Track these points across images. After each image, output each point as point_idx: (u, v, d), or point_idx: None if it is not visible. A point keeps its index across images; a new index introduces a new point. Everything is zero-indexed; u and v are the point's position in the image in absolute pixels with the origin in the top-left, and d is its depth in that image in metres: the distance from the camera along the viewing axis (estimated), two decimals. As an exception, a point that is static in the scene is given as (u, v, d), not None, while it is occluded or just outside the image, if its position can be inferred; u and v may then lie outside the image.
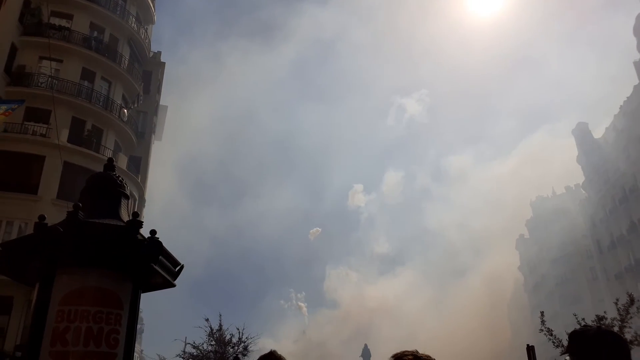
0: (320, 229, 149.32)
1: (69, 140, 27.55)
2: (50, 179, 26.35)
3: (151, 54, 38.66)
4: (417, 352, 2.60)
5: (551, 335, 19.07)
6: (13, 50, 28.18)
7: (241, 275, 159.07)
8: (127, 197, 4.63)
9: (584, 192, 69.95)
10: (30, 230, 5.19)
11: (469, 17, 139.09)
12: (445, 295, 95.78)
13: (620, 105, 61.29)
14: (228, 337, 26.54)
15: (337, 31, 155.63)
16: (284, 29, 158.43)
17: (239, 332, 26.56)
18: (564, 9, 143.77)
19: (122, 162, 29.48)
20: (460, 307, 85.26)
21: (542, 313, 20.05)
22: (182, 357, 27.92)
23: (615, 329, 17.85)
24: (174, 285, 4.61)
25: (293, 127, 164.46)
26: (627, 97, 59.58)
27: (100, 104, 30.61)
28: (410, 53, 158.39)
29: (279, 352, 3.80)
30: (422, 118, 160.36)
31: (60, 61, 29.26)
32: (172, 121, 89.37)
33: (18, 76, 28.12)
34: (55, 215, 4.36)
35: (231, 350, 26.18)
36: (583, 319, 19.13)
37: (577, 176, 71.04)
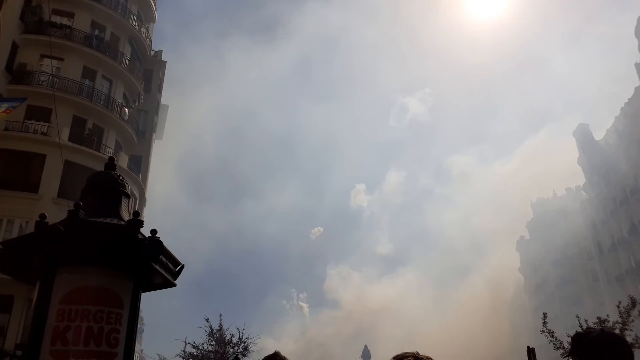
0: (322, 229, 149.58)
1: (69, 139, 27.56)
2: (51, 178, 26.35)
3: (152, 53, 38.69)
4: (417, 353, 2.59)
5: (552, 336, 19.07)
6: (14, 48, 28.19)
7: (242, 274, 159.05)
8: (127, 196, 4.61)
9: (584, 193, 69.95)
10: (31, 229, 5.18)
11: (472, 16, 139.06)
12: (446, 296, 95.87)
13: (621, 107, 61.28)
14: (228, 337, 26.57)
15: (340, 29, 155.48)
16: (286, 27, 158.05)
17: (239, 332, 26.60)
18: (568, 8, 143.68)
19: (123, 161, 29.49)
20: (461, 307, 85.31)
21: (544, 314, 20.07)
22: (182, 357, 27.95)
23: (617, 332, 17.83)
24: (174, 285, 4.60)
25: (295, 125, 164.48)
26: (628, 99, 59.57)
27: (101, 102, 30.63)
28: (413, 52, 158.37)
29: (282, 354, 3.79)
30: (425, 117, 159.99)
31: (62, 59, 29.29)
32: (173, 120, 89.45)
33: (19, 74, 28.14)
34: (56, 214, 4.35)
35: (231, 350, 26.19)
36: (586, 321, 19.15)
37: (578, 177, 71.09)
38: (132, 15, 34.91)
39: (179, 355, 28.44)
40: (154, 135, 38.33)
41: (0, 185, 25.38)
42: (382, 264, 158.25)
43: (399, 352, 2.62)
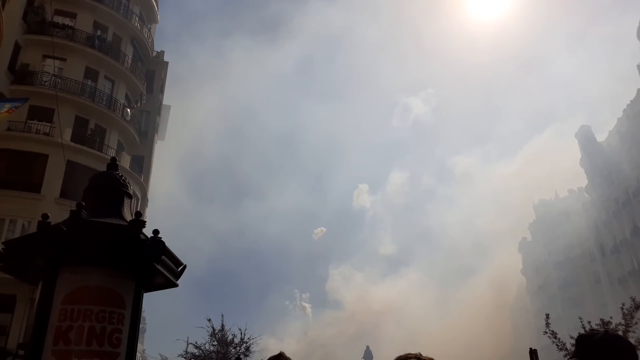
0: (324, 229, 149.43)
1: (72, 139, 27.58)
2: (54, 178, 26.38)
3: (154, 53, 38.74)
4: (420, 354, 2.58)
5: (555, 338, 19.04)
6: (17, 49, 28.25)
7: (244, 274, 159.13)
8: (130, 197, 4.62)
9: (586, 195, 69.86)
10: (33, 228, 5.19)
11: (476, 17, 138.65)
12: (449, 297, 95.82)
13: (624, 109, 61.22)
14: (230, 337, 26.56)
15: (343, 29, 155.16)
16: (289, 26, 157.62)
17: (241, 333, 26.60)
18: (571, 9, 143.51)
19: (125, 162, 29.52)
20: (464, 308, 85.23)
21: (547, 316, 20.03)
22: (184, 357, 27.98)
23: (620, 333, 17.80)
24: (176, 285, 4.60)
25: (298, 125, 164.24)
26: (631, 101, 59.51)
27: (104, 103, 30.68)
28: (417, 52, 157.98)
29: (286, 354, 3.78)
30: (428, 117, 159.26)
31: (64, 60, 29.34)
32: (175, 120, 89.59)
33: (21, 74, 28.20)
34: (59, 214, 4.35)
35: (233, 350, 26.20)
36: (589, 322, 19.12)
37: (581, 179, 71.00)
38: (134, 15, 34.96)
39: (181, 355, 28.50)
40: (156, 135, 38.36)
41: (2, 185, 25.42)
42: (385, 264, 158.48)
43: (401, 353, 2.62)
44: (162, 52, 40.50)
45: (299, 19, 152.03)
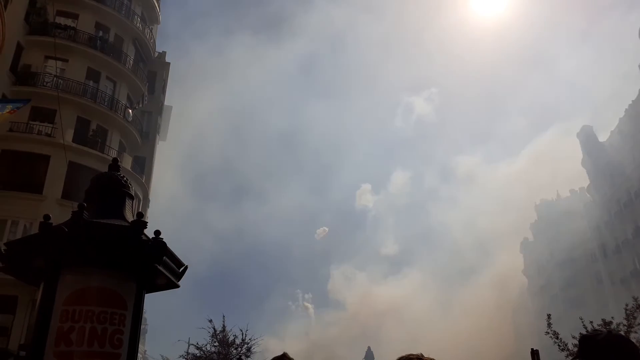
0: (327, 229, 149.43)
1: (74, 140, 27.61)
2: (55, 179, 26.40)
3: (156, 54, 38.76)
4: (422, 355, 2.58)
5: (557, 338, 18.99)
6: (19, 50, 28.28)
7: (246, 274, 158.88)
8: (131, 197, 4.62)
9: (588, 195, 69.77)
10: (35, 229, 5.19)
11: (479, 15, 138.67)
12: (451, 297, 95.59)
13: (626, 109, 61.12)
14: (231, 338, 26.53)
15: (346, 27, 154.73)
16: (292, 24, 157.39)
17: (242, 334, 26.57)
18: (575, 7, 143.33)
19: (126, 162, 29.53)
20: (466, 308, 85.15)
21: (548, 316, 19.95)
22: (186, 358, 27.94)
23: (622, 334, 17.76)
24: (178, 286, 4.60)
25: (300, 124, 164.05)
26: (632, 101, 59.41)
27: (105, 104, 30.70)
28: (420, 51, 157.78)
29: (289, 355, 3.77)
30: (431, 117, 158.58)
31: (66, 61, 29.37)
32: (176, 120, 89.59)
33: (24, 75, 28.23)
34: (60, 215, 4.36)
35: (234, 351, 26.17)
36: (591, 322, 19.07)
37: (584, 179, 70.88)
38: (136, 16, 34.99)
39: (182, 356, 28.44)
40: (157, 136, 38.40)
41: (4, 186, 25.45)
42: (387, 264, 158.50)
43: (402, 353, 2.61)
44: (164, 53, 40.57)
45: (302, 17, 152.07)
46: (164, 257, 4.13)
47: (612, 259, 61.05)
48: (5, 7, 24.13)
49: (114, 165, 4.74)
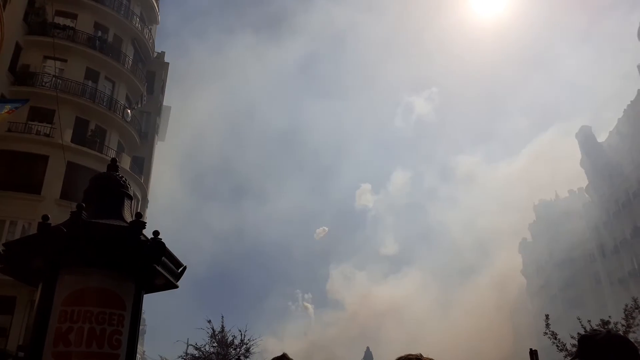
0: (326, 229, 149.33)
1: (72, 140, 27.59)
2: (54, 179, 26.38)
3: (155, 54, 38.75)
4: (421, 355, 2.57)
5: (555, 339, 19.01)
6: (17, 50, 28.26)
7: (245, 275, 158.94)
8: (130, 198, 4.62)
9: (587, 195, 69.84)
10: (33, 230, 5.19)
11: (479, 15, 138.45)
12: (451, 297, 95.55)
13: (624, 109, 61.18)
14: (230, 338, 26.52)
15: (347, 27, 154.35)
16: (292, 23, 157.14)
17: (241, 334, 26.56)
18: (576, 6, 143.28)
19: (125, 163, 29.52)
20: (465, 308, 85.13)
21: (546, 316, 19.97)
22: (184, 359, 27.94)
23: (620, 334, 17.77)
24: (176, 287, 4.60)
25: (300, 124, 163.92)
26: (631, 101, 59.47)
27: (104, 104, 30.68)
28: (420, 50, 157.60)
29: (289, 355, 3.77)
30: (431, 117, 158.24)
31: (65, 61, 29.35)
32: (175, 120, 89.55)
33: (22, 75, 28.21)
34: (59, 215, 4.35)
35: (233, 352, 26.16)
36: (589, 321, 19.09)
37: (582, 179, 70.94)
38: (135, 16, 34.97)
39: (180, 357, 28.45)
40: (156, 136, 38.38)
41: (3, 186, 25.42)
42: (386, 264, 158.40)
43: (402, 353, 2.61)
44: (163, 53, 40.54)
45: (303, 16, 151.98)
46: (163, 258, 4.13)
47: (610, 259, 61.12)
48: (4, 7, 24.12)
49: (113, 165, 4.74)
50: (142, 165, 34.28)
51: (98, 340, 3.75)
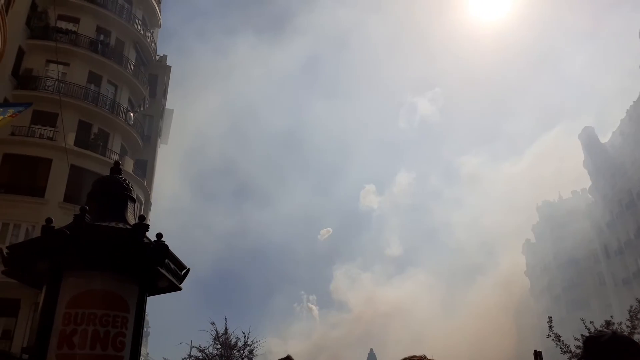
0: (331, 230, 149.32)
1: (75, 144, 27.66)
2: (57, 182, 26.44)
3: (157, 58, 38.82)
4: (425, 356, 2.57)
5: (559, 340, 18.91)
6: (20, 54, 28.35)
7: (249, 276, 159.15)
8: (133, 200, 4.63)
9: (590, 196, 69.66)
10: (37, 233, 5.20)
11: (483, 15, 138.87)
12: (455, 298, 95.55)
13: (627, 109, 61.05)
14: (234, 340, 26.50)
15: (350, 27, 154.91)
16: (295, 24, 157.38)
17: (245, 336, 26.54)
18: (581, 5, 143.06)
19: (128, 166, 29.57)
20: (470, 310, 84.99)
21: (550, 318, 19.87)
22: (188, 361, 27.90)
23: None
24: (180, 289, 4.60)
25: (303, 125, 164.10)
26: (634, 101, 59.34)
27: (107, 107, 30.75)
28: (424, 51, 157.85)
29: (293, 357, 3.76)
30: (435, 117, 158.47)
31: (67, 64, 29.40)
32: (178, 123, 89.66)
33: (25, 79, 28.29)
34: (62, 218, 4.35)
35: (237, 354, 26.14)
36: (592, 322, 19.00)
37: (585, 180, 70.77)
38: (137, 20, 35.07)
39: (184, 358, 28.39)
40: (159, 139, 38.46)
41: (6, 189, 25.50)
42: (391, 265, 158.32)
43: (406, 355, 2.61)
44: (165, 56, 40.61)
45: (306, 16, 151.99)
46: (166, 260, 4.13)
47: (614, 259, 60.94)
48: (7, 11, 24.19)
49: (116, 168, 4.75)
50: (145, 168, 34.34)
51: (102, 343, 3.76)
